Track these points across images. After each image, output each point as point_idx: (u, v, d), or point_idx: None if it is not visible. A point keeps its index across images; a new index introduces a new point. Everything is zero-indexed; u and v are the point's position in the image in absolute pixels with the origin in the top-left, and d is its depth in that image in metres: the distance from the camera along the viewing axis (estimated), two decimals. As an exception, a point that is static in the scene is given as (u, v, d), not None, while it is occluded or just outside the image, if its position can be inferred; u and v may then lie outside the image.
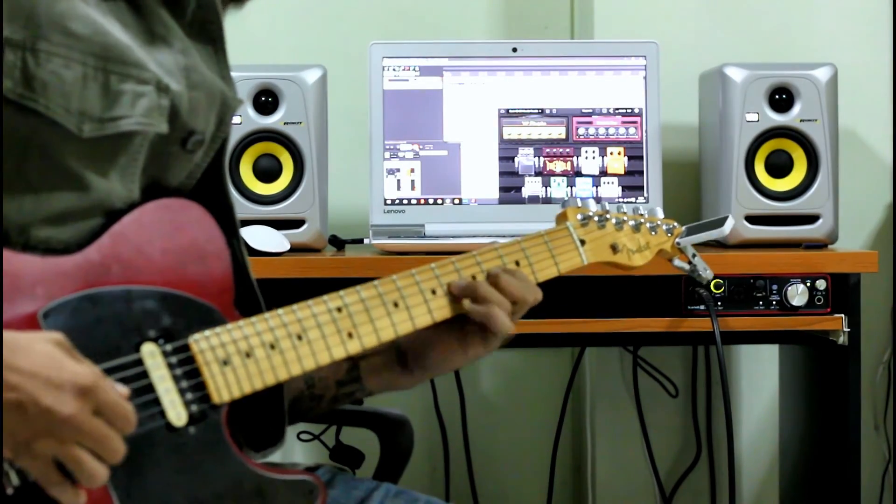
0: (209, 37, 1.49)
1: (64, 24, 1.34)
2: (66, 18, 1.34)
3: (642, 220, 1.77)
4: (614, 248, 1.71)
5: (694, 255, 1.90)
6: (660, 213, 1.81)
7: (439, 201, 2.63)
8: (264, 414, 1.49)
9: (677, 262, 1.88)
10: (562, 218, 1.69)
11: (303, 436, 2.78)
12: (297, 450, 2.91)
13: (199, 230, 1.42)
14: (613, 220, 1.72)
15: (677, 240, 1.83)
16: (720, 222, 1.93)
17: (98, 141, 1.36)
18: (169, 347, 1.35)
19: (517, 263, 1.60)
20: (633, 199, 2.64)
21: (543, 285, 1.63)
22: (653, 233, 1.78)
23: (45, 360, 1.22)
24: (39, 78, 1.32)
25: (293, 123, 2.52)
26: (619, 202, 2.63)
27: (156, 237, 1.39)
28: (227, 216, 1.49)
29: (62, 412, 1.20)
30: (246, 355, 1.39)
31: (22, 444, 1.21)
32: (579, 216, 1.69)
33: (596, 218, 1.70)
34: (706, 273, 1.94)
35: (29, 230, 1.33)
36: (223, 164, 1.52)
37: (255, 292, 1.51)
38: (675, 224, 1.83)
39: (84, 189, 1.36)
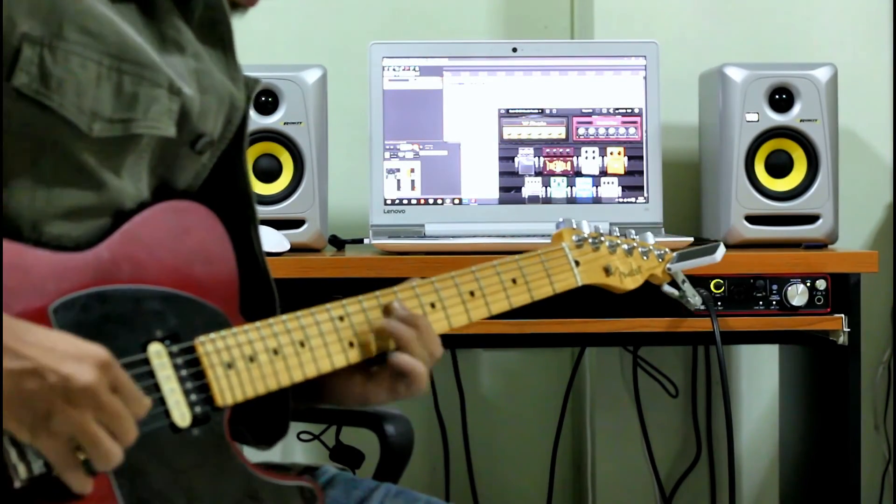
0: (219, 38, 1.49)
1: (83, 23, 1.34)
2: (85, 17, 1.35)
3: (635, 245, 1.82)
4: (607, 271, 1.76)
5: (683, 282, 1.95)
6: (651, 239, 1.86)
7: (439, 201, 2.63)
8: (268, 407, 1.50)
9: (667, 287, 1.94)
10: (557, 238, 1.74)
11: (303, 436, 2.78)
12: (297, 450, 2.91)
13: (206, 233, 1.43)
14: (607, 243, 1.77)
15: (668, 265, 1.87)
16: (712, 249, 1.96)
17: (107, 140, 1.36)
18: (175, 348, 1.36)
19: (514, 281, 1.64)
20: (633, 200, 2.64)
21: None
22: (645, 257, 1.83)
23: (62, 337, 1.24)
24: (56, 75, 1.33)
25: (293, 123, 2.52)
26: (617, 202, 2.63)
27: (165, 238, 1.40)
28: (245, 218, 1.50)
29: (82, 379, 1.21)
30: (250, 359, 1.40)
31: (40, 420, 1.21)
32: (574, 238, 1.73)
33: (590, 240, 1.74)
34: (695, 300, 2.00)
35: (41, 226, 1.34)
36: (243, 164, 1.53)
37: (271, 286, 1.52)
38: (667, 250, 1.87)
39: (99, 187, 1.37)
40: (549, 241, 2.17)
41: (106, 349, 1.24)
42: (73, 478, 1.24)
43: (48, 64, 1.32)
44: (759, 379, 3.00)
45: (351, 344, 1.48)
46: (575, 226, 1.75)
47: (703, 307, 2.12)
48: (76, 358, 1.22)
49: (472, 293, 1.59)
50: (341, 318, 1.48)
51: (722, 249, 1.97)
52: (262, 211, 2.51)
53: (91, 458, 1.24)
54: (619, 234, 1.80)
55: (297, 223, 2.52)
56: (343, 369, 1.50)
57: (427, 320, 1.52)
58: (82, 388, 1.21)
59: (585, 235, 1.74)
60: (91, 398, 1.21)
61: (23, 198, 1.33)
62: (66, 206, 1.35)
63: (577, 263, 1.71)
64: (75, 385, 1.21)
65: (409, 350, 1.50)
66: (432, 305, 1.55)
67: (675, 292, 1.97)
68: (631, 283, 1.80)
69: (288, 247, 2.45)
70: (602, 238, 1.76)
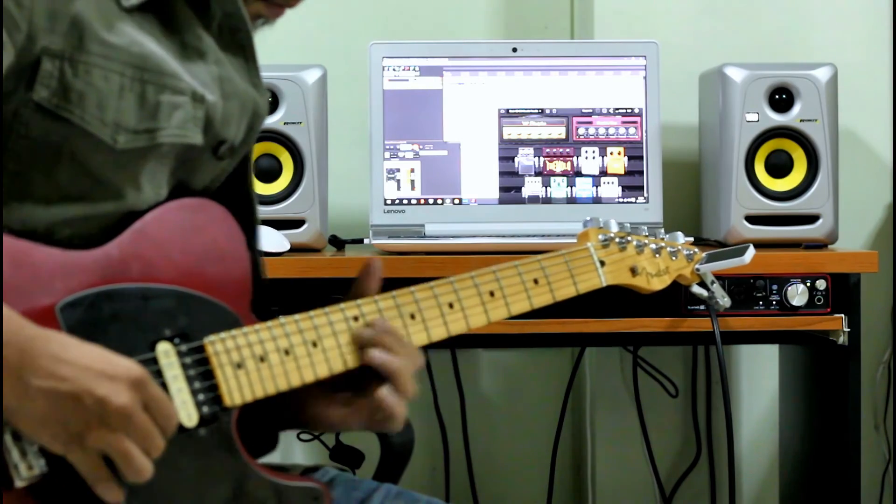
0: (239, 45, 1.49)
1: (103, 36, 1.34)
2: (105, 29, 1.35)
3: (663, 244, 1.78)
4: (634, 271, 1.72)
5: (713, 283, 1.92)
6: (680, 238, 1.82)
7: (439, 201, 2.63)
8: (260, 419, 1.49)
9: (696, 288, 1.91)
10: (583, 238, 1.70)
11: (303, 436, 2.78)
12: (297, 450, 2.90)
13: (219, 231, 1.42)
14: (634, 243, 1.72)
15: (697, 266, 1.84)
16: (741, 251, 1.95)
17: (131, 150, 1.37)
18: (184, 347, 1.35)
19: (535, 281, 1.60)
20: (632, 200, 2.64)
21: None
22: (673, 258, 1.79)
23: (97, 353, 1.24)
24: (76, 89, 1.33)
25: (293, 123, 2.52)
26: (617, 202, 2.63)
27: (176, 236, 1.39)
28: (248, 219, 1.50)
29: (117, 402, 1.22)
30: (260, 359, 1.39)
31: (75, 437, 1.22)
32: (601, 237, 1.69)
33: (617, 240, 1.70)
34: (724, 301, 1.97)
35: (54, 227, 1.34)
36: (248, 167, 1.53)
37: (266, 295, 1.51)
38: (696, 250, 1.84)
39: (117, 197, 1.37)
40: (548, 240, 2.15)
41: (140, 365, 1.25)
42: (105, 489, 1.26)
43: (69, 78, 1.33)
44: (759, 379, 3.00)
45: None
46: (602, 225, 1.70)
47: (729, 306, 2.10)
48: (111, 377, 1.23)
49: (491, 293, 1.56)
50: (356, 319, 1.46)
51: (751, 251, 1.95)
52: (262, 211, 2.50)
53: (123, 473, 1.25)
54: (647, 234, 1.78)
55: (297, 223, 2.52)
56: (323, 394, 1.47)
57: (407, 336, 1.48)
58: (117, 410, 1.22)
59: (612, 235, 1.70)
60: (125, 419, 1.23)
61: (37, 207, 1.34)
62: (82, 214, 1.36)
63: (602, 263, 1.68)
64: (110, 408, 1.22)
65: (396, 379, 1.45)
66: (450, 305, 1.52)
67: (704, 293, 1.95)
68: (658, 284, 1.76)
69: (288, 247, 2.45)
70: (629, 238, 1.72)
